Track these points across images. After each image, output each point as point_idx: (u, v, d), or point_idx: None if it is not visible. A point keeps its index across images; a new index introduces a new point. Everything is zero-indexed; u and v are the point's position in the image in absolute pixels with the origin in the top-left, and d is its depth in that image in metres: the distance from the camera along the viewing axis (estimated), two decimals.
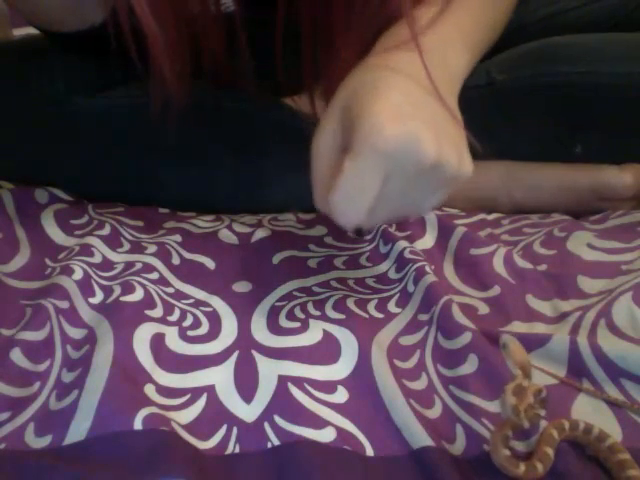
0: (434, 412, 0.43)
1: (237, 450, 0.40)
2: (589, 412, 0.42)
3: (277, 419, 0.42)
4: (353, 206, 0.41)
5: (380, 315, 0.51)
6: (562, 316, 0.50)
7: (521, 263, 0.55)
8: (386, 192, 0.41)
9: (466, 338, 0.46)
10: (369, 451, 0.40)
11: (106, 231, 0.59)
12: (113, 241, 0.58)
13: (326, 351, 0.47)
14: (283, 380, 0.44)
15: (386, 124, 0.39)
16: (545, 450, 0.38)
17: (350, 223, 0.43)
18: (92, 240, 0.57)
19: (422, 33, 0.46)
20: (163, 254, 0.57)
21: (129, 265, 0.55)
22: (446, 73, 0.47)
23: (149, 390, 0.43)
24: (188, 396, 0.44)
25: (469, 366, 0.45)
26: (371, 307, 0.52)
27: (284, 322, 0.50)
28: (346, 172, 0.40)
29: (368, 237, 0.59)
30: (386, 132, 0.39)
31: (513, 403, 0.38)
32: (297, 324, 0.50)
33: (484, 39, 0.53)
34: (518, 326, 0.50)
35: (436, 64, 0.45)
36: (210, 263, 0.57)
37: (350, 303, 0.52)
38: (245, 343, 0.48)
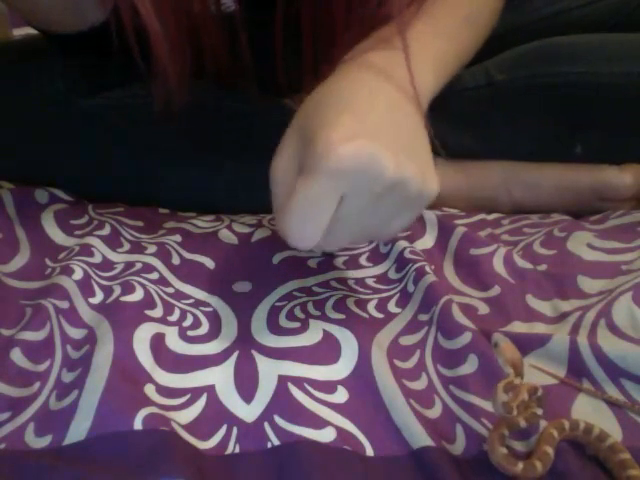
0: (434, 412, 0.43)
1: (237, 450, 0.40)
2: (589, 412, 0.42)
3: (277, 419, 0.42)
4: (307, 228, 0.40)
5: (380, 315, 0.51)
6: (562, 316, 0.50)
7: (521, 263, 0.55)
8: (344, 213, 0.40)
9: (466, 338, 0.46)
10: (369, 451, 0.40)
11: (106, 231, 0.59)
12: (113, 241, 0.58)
13: (326, 351, 0.47)
14: (283, 380, 0.44)
15: (339, 144, 0.38)
16: (545, 449, 0.38)
17: (305, 246, 0.41)
18: (92, 240, 0.57)
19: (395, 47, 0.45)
20: (163, 254, 0.57)
21: (129, 265, 0.55)
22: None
23: (149, 390, 0.43)
24: (188, 396, 0.44)
25: (469, 366, 0.45)
26: (371, 307, 0.52)
27: (284, 322, 0.50)
28: (298, 194, 0.39)
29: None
30: (339, 151, 0.38)
31: (504, 400, 0.38)
32: (297, 324, 0.50)
33: (455, 62, 0.52)
34: (518, 326, 0.50)
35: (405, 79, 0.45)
36: (210, 263, 0.57)
37: (350, 303, 0.52)
38: (245, 343, 0.48)
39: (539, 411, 0.40)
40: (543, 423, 0.40)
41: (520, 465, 0.37)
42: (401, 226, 0.44)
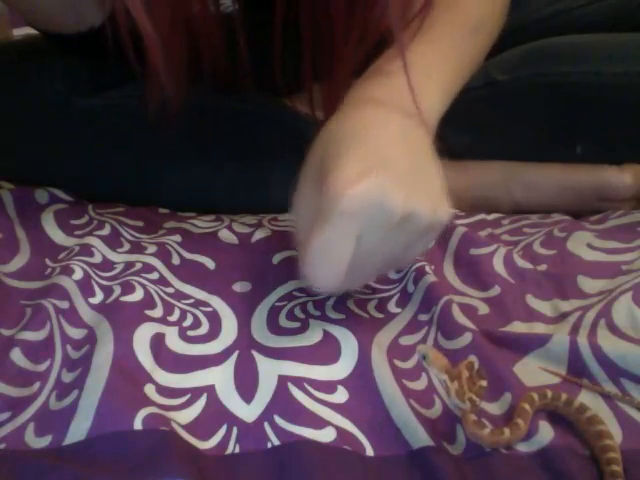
0: (434, 412, 0.43)
1: (237, 450, 0.40)
2: None
3: (277, 419, 0.42)
4: (328, 273, 0.41)
5: (380, 315, 0.51)
6: (562, 316, 0.50)
7: (521, 263, 0.55)
8: (362, 252, 0.40)
9: (466, 338, 0.46)
10: (369, 451, 0.40)
11: (106, 231, 0.59)
12: (113, 241, 0.58)
13: (326, 351, 0.47)
14: (283, 380, 0.44)
15: (347, 186, 0.38)
16: (516, 420, 0.40)
17: (330, 289, 0.42)
18: (92, 240, 0.57)
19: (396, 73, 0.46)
20: (163, 254, 0.57)
21: (129, 265, 0.55)
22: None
23: (149, 390, 0.43)
24: (188, 396, 0.44)
25: None
26: (371, 307, 0.52)
27: (284, 322, 0.50)
28: (314, 240, 0.40)
29: None
30: (348, 194, 0.38)
31: (456, 388, 0.40)
32: (297, 324, 0.50)
33: (462, 74, 0.52)
34: (518, 326, 0.50)
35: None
36: (210, 263, 0.57)
37: (350, 303, 0.52)
38: (245, 343, 0.48)
39: (484, 382, 0.41)
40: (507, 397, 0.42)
41: (487, 430, 0.39)
42: (417, 254, 0.45)
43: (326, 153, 0.42)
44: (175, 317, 0.50)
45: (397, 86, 0.46)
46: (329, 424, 0.41)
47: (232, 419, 0.42)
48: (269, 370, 0.45)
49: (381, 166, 0.40)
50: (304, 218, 0.43)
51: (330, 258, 0.40)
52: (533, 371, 0.45)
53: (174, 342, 0.48)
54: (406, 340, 0.49)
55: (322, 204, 0.40)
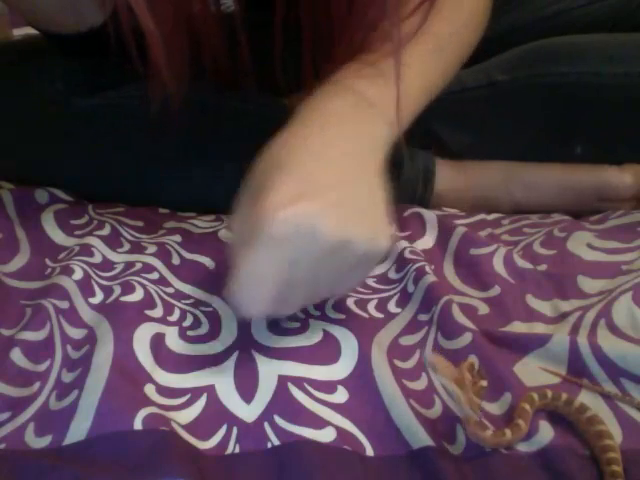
0: (434, 412, 0.43)
1: (237, 450, 0.40)
2: None
3: (277, 419, 0.42)
4: (254, 298, 0.40)
5: (380, 315, 0.51)
6: (562, 316, 0.50)
7: (521, 263, 0.55)
8: (295, 278, 0.40)
9: (466, 338, 0.46)
10: (369, 451, 0.40)
11: (106, 231, 0.59)
12: (113, 241, 0.58)
13: (326, 351, 0.47)
14: (283, 380, 0.44)
15: (274, 211, 0.38)
16: (517, 421, 0.40)
17: (256, 314, 0.41)
18: (92, 240, 0.57)
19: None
20: (163, 254, 0.57)
21: (129, 265, 0.55)
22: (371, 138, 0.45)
23: (149, 390, 0.43)
24: (188, 396, 0.44)
25: None
26: (371, 307, 0.52)
27: (284, 322, 0.50)
28: (241, 265, 0.39)
29: None
30: (274, 220, 0.38)
31: (469, 398, 0.40)
32: (297, 324, 0.50)
33: (442, 80, 0.52)
34: (518, 326, 0.50)
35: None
36: (210, 263, 0.57)
37: (350, 303, 0.52)
38: (245, 343, 0.48)
39: (484, 382, 0.41)
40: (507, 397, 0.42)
41: (489, 432, 0.39)
42: (354, 284, 0.44)
43: (269, 168, 0.41)
44: (175, 317, 0.50)
45: (390, 91, 0.45)
46: (329, 424, 0.41)
47: (232, 419, 0.42)
48: (269, 370, 0.45)
49: (317, 191, 0.39)
50: (240, 235, 0.42)
51: (258, 281, 0.39)
52: (533, 371, 0.45)
53: (174, 342, 0.48)
54: (406, 340, 0.49)
55: (254, 224, 0.39)
